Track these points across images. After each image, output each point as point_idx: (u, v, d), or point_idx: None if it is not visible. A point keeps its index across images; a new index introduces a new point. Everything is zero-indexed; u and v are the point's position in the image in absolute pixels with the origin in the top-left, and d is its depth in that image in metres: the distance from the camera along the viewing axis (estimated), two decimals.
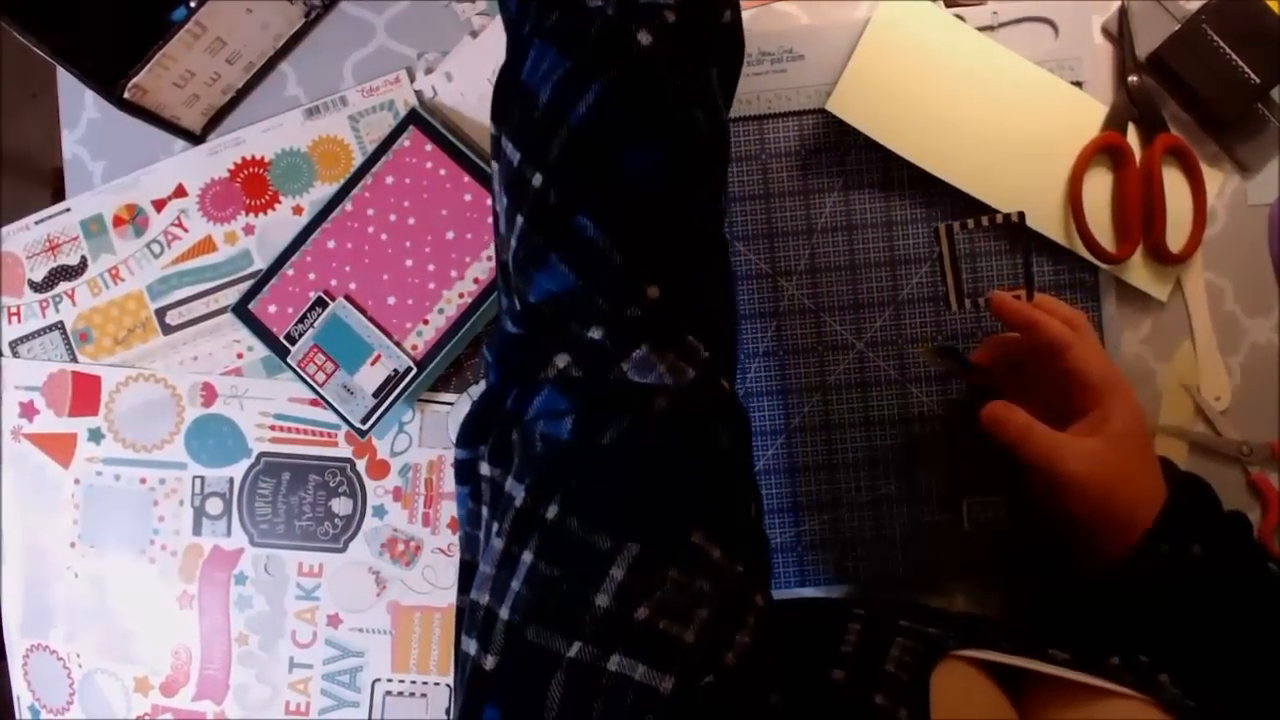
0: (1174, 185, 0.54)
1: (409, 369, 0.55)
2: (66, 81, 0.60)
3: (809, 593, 0.56)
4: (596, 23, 0.33)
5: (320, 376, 0.55)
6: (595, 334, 0.32)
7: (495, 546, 0.31)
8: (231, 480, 0.59)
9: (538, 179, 0.33)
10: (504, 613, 0.29)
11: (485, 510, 0.33)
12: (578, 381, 0.32)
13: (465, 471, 0.35)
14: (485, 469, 0.33)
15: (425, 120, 0.55)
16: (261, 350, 0.58)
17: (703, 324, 0.34)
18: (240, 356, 0.59)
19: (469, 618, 0.31)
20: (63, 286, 0.60)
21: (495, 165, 0.36)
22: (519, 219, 0.34)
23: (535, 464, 0.31)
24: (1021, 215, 0.46)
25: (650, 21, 0.33)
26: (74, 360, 0.60)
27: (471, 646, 0.30)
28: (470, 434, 0.34)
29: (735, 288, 0.38)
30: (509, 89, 0.35)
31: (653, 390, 0.32)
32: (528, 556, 0.30)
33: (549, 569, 0.29)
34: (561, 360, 0.32)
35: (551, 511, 0.30)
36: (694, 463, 0.32)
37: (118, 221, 0.59)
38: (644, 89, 0.33)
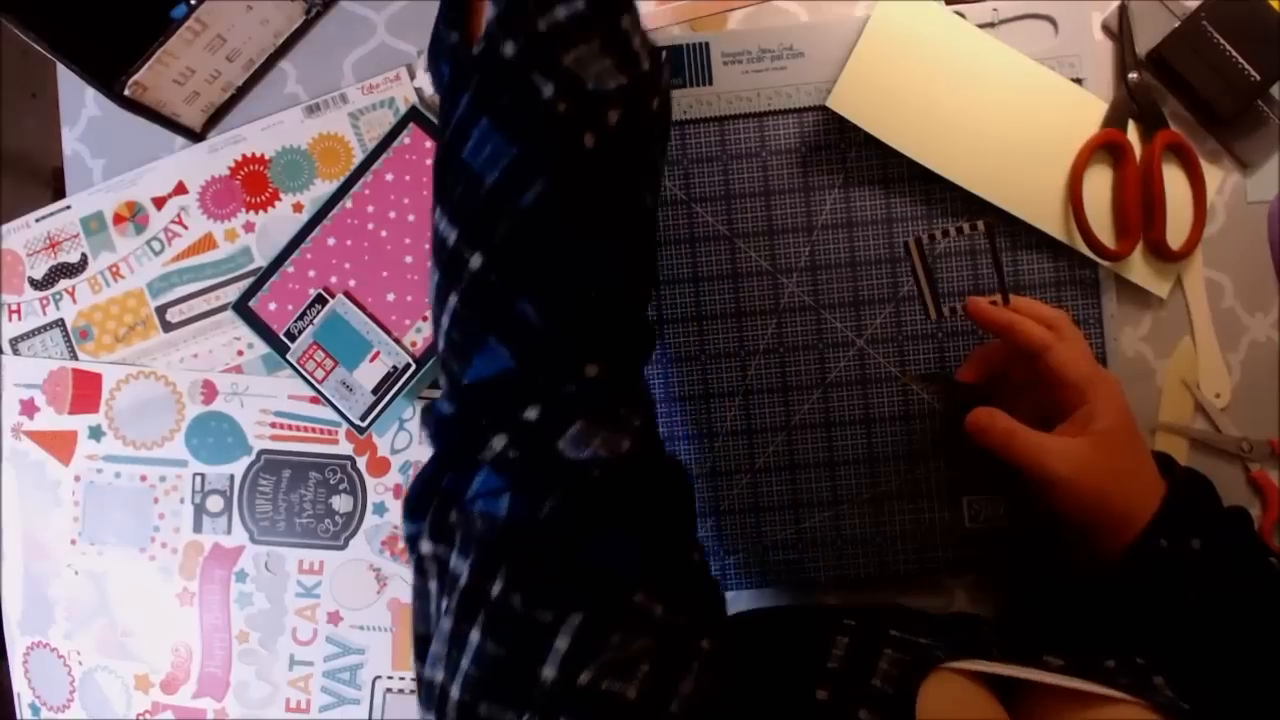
0: (1174, 182, 0.54)
1: (408, 365, 0.55)
2: (67, 79, 0.60)
3: (806, 592, 0.56)
4: (551, 120, 0.33)
5: (319, 373, 0.55)
6: (531, 414, 0.32)
7: (445, 626, 0.32)
8: (232, 478, 0.59)
9: (477, 260, 0.33)
10: (455, 691, 0.31)
11: (432, 585, 0.34)
12: (514, 462, 0.32)
13: (412, 545, 0.35)
14: (426, 546, 0.34)
15: (425, 117, 0.55)
16: (262, 347, 0.58)
17: (637, 397, 0.35)
18: (240, 354, 0.59)
19: (425, 692, 0.32)
20: (63, 284, 0.60)
21: (430, 236, 0.36)
22: (452, 298, 0.34)
23: (476, 542, 0.32)
24: (988, 224, 0.46)
25: (596, 124, 0.33)
26: (74, 358, 0.60)
27: None
28: (413, 509, 0.35)
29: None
30: (450, 166, 0.35)
31: (588, 464, 0.32)
32: (475, 636, 0.31)
33: (496, 648, 0.30)
34: (499, 442, 0.32)
35: (496, 589, 0.31)
36: (631, 528, 0.33)
37: (118, 219, 0.59)
38: (591, 186, 0.34)
